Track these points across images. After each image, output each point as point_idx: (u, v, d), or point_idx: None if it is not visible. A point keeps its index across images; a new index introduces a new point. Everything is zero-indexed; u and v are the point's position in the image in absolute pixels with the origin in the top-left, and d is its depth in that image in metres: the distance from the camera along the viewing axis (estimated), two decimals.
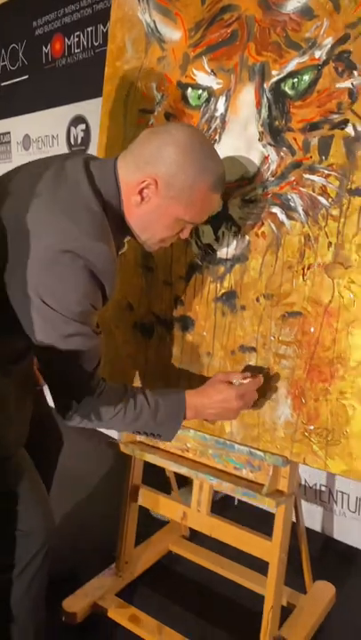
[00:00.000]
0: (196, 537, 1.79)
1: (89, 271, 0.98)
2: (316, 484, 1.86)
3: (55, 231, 0.96)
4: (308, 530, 1.69)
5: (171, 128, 1.11)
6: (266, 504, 1.23)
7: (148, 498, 1.54)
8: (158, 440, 1.20)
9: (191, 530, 1.81)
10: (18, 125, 2.88)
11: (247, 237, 1.27)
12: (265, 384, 1.22)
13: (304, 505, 1.84)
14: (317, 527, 1.87)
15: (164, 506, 1.51)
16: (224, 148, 1.30)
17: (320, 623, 1.48)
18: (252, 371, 1.24)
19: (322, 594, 1.55)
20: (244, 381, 1.19)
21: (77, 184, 1.02)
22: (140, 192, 1.05)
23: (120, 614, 1.47)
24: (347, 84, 1.14)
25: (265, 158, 1.25)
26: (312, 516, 1.86)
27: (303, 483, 1.88)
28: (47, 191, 1.01)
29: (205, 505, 1.41)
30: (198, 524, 1.44)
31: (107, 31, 2.30)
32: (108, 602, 1.50)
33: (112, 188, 1.05)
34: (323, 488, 1.84)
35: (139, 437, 1.46)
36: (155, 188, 1.04)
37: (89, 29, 2.40)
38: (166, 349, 1.43)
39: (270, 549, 1.29)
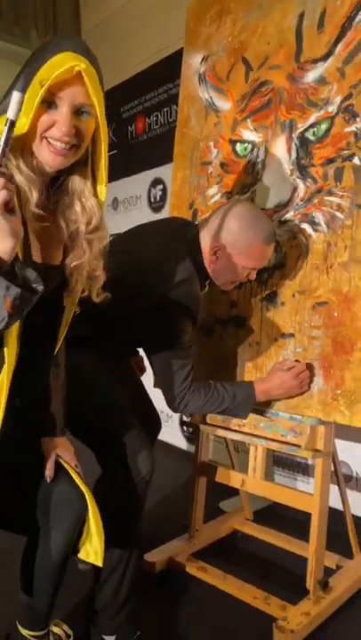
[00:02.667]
0: (258, 520, 2.05)
1: (186, 309, 1.46)
2: None
3: (164, 283, 1.44)
4: (359, 518, 1.91)
5: (233, 206, 1.56)
6: (305, 455, 1.52)
7: (213, 471, 1.85)
8: (236, 417, 1.59)
9: (254, 514, 2.07)
10: (108, 190, 3.46)
11: (283, 249, 1.64)
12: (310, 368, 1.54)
13: (357, 495, 2.04)
14: None
15: (226, 476, 1.80)
16: (265, 184, 1.71)
17: None
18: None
19: None
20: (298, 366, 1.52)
21: (177, 249, 1.50)
22: (215, 253, 1.51)
23: (191, 566, 1.75)
24: (352, 128, 1.52)
25: (295, 188, 1.63)
26: None
27: (354, 475, 2.09)
28: (157, 253, 1.48)
29: (260, 471, 1.69)
30: (254, 488, 1.72)
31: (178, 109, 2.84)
32: (181, 557, 1.79)
33: (198, 250, 1.53)
34: None
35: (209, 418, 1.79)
36: (224, 251, 1.50)
37: (165, 109, 2.96)
38: (224, 344, 1.79)
39: (312, 501, 1.55)
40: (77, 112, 0.95)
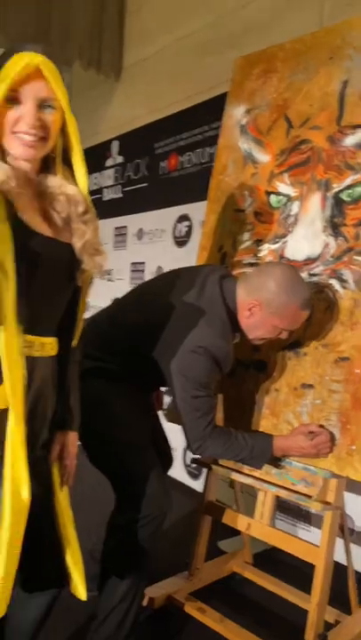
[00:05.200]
0: (258, 564, 2.05)
1: (214, 359, 1.51)
2: None
3: (198, 332, 1.50)
4: (359, 574, 1.91)
5: (272, 267, 1.63)
6: (315, 507, 1.54)
7: (219, 511, 1.86)
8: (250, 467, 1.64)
9: (254, 558, 2.08)
10: (134, 221, 3.56)
11: (312, 298, 1.69)
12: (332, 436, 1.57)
13: (357, 549, 2.05)
14: None
15: (232, 518, 1.82)
16: (296, 237, 1.77)
17: None
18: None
19: None
20: (319, 434, 1.55)
21: (214, 300, 1.56)
22: (250, 309, 1.56)
23: (190, 605, 1.76)
24: None
25: (326, 245, 1.69)
26: None
27: (356, 528, 2.10)
28: (194, 301, 1.55)
29: (267, 516, 1.71)
30: (260, 533, 1.73)
31: (212, 152, 2.93)
32: (180, 596, 1.80)
33: (233, 304, 1.57)
34: None
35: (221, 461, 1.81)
36: (259, 308, 1.54)
37: (198, 150, 3.06)
38: (244, 386, 1.83)
39: (317, 553, 1.57)
40: (41, 106, 1.03)
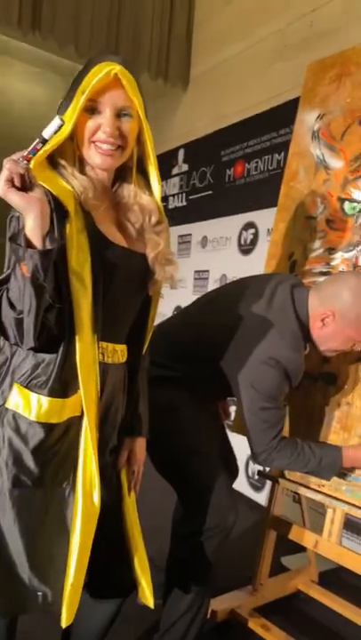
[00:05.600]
0: (323, 583, 1.98)
1: (285, 372, 1.46)
2: None
3: (269, 343, 1.46)
4: None
5: (346, 276, 1.57)
6: None
7: (285, 526, 1.82)
8: (320, 478, 1.58)
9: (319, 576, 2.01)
10: (198, 229, 3.57)
11: None
12: None
13: None
14: None
15: (298, 534, 1.77)
16: None
17: None
18: None
19: None
20: None
21: (285, 309, 1.51)
22: (323, 320, 1.50)
23: (254, 622, 1.72)
24: None
25: None
26: None
27: None
28: (264, 311, 1.51)
29: (336, 535, 1.65)
30: (328, 552, 1.67)
31: (280, 159, 2.90)
32: (244, 611, 1.76)
33: (304, 314, 1.52)
34: None
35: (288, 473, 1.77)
36: (332, 319, 1.49)
37: (266, 157, 3.03)
38: (311, 399, 1.77)
39: None
40: (119, 115, 1.04)
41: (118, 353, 1.14)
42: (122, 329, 1.17)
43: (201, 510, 1.40)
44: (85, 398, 1.02)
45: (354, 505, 1.58)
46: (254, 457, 1.52)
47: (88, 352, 1.02)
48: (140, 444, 1.26)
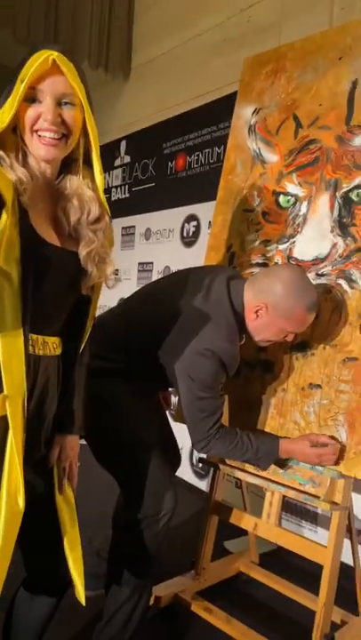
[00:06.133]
0: (264, 564, 2.06)
1: (220, 362, 1.50)
2: None
3: (205, 334, 1.50)
4: None
5: (279, 269, 1.63)
6: (322, 507, 1.54)
7: (226, 511, 1.87)
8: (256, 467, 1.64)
9: (260, 557, 2.08)
10: (142, 221, 3.57)
11: (319, 300, 1.69)
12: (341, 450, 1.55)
13: None
14: None
15: (239, 518, 1.82)
16: (304, 237, 1.77)
17: None
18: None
19: None
20: (328, 445, 1.54)
21: (221, 302, 1.55)
22: (256, 312, 1.55)
23: (197, 605, 1.76)
24: None
25: (334, 245, 1.69)
26: None
27: None
28: (201, 303, 1.54)
29: (274, 517, 1.71)
30: (267, 533, 1.73)
31: (220, 152, 2.94)
32: (187, 595, 1.80)
33: (240, 306, 1.57)
34: None
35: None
36: (266, 311, 1.53)
37: (206, 150, 3.06)
38: (250, 387, 1.83)
39: (325, 553, 1.56)
40: (60, 102, 1.03)
41: (50, 345, 1.12)
42: (54, 322, 1.14)
43: (141, 499, 1.42)
44: (10, 400, 0.99)
45: (291, 487, 1.65)
46: (194, 445, 1.56)
47: (12, 349, 1.00)
48: (72, 442, 1.23)
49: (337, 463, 1.55)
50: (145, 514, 1.42)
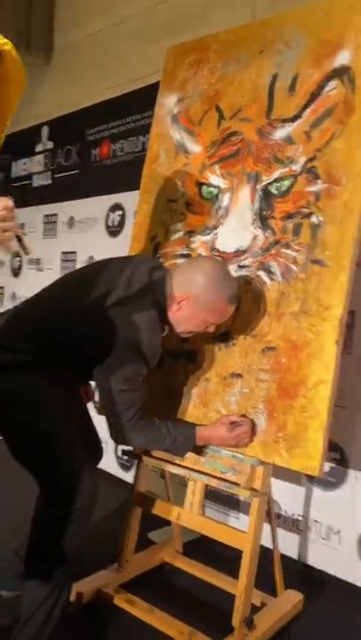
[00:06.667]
0: (188, 553, 2.08)
1: (142, 355, 1.49)
2: (294, 514, 2.15)
3: (126, 326, 1.47)
4: (285, 557, 1.97)
5: (201, 261, 1.65)
6: (243, 494, 1.57)
7: (149, 502, 1.86)
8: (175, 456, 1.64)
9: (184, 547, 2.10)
10: (65, 209, 3.47)
11: (239, 292, 1.71)
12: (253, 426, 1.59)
13: (283, 533, 2.11)
14: (294, 554, 2.13)
15: (162, 509, 1.82)
16: (226, 229, 1.79)
17: (287, 621, 1.74)
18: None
19: (290, 598, 1.81)
20: (241, 425, 1.57)
21: (143, 292, 1.53)
22: (179, 303, 1.55)
23: (119, 598, 1.75)
24: (313, 188, 1.62)
25: (255, 237, 1.72)
26: (290, 544, 2.13)
27: (283, 513, 2.17)
28: (122, 294, 1.51)
29: (197, 506, 1.73)
30: (190, 522, 1.75)
31: (145, 141, 2.90)
32: (110, 588, 1.78)
33: (162, 297, 1.55)
34: (299, 518, 2.13)
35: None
36: (187, 302, 1.53)
37: (131, 139, 3.02)
38: (173, 376, 1.83)
39: (245, 539, 1.60)
40: None
41: None
42: None
43: (59, 494, 1.39)
44: None
45: (212, 476, 1.67)
46: (112, 436, 1.53)
47: None
48: None
49: (251, 440, 1.58)
50: (64, 510, 1.38)
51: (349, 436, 1.98)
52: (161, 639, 1.62)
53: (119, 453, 2.91)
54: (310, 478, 2.08)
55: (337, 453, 2.01)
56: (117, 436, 1.51)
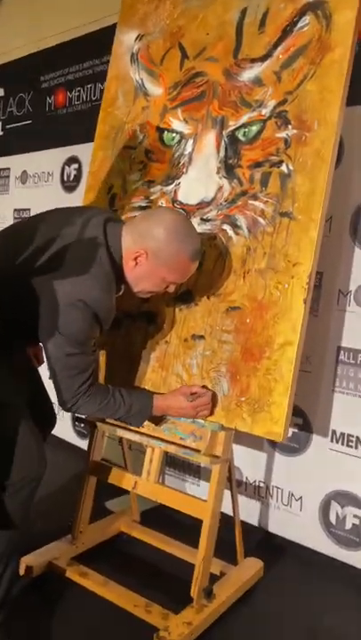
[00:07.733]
0: (146, 522, 2.00)
1: (94, 315, 1.33)
2: (255, 481, 2.09)
3: (76, 283, 1.31)
4: (246, 524, 1.91)
5: (161, 212, 1.47)
6: (203, 461, 1.48)
7: (105, 471, 1.76)
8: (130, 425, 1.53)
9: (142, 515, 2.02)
10: (17, 162, 3.23)
11: (202, 248, 1.58)
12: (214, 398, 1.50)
13: (244, 500, 2.06)
14: (255, 521, 2.09)
15: (118, 477, 1.73)
16: (190, 178, 1.65)
17: (247, 589, 1.69)
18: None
19: (250, 566, 1.76)
20: (201, 395, 1.48)
21: (96, 247, 1.36)
22: (135, 259, 1.39)
23: (72, 570, 1.66)
24: (283, 134, 1.50)
25: (220, 187, 1.59)
26: (251, 511, 2.08)
27: (244, 480, 2.11)
28: (73, 248, 1.34)
29: (154, 474, 1.63)
30: (146, 491, 1.66)
31: (103, 88, 2.70)
32: (62, 561, 1.69)
33: (117, 252, 1.39)
34: (261, 484, 2.08)
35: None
36: (145, 258, 1.38)
37: (89, 86, 2.80)
38: (131, 338, 1.71)
39: (205, 507, 1.52)
40: None
41: None
42: None
43: (7, 465, 1.26)
44: None
45: (172, 442, 1.57)
46: (62, 404, 1.40)
47: None
48: None
49: (212, 413, 1.49)
50: (11, 480, 1.27)
51: (313, 400, 1.92)
52: (116, 613, 1.54)
53: (76, 421, 2.80)
54: (273, 444, 2.01)
55: (300, 418, 1.95)
56: (66, 403, 1.38)
